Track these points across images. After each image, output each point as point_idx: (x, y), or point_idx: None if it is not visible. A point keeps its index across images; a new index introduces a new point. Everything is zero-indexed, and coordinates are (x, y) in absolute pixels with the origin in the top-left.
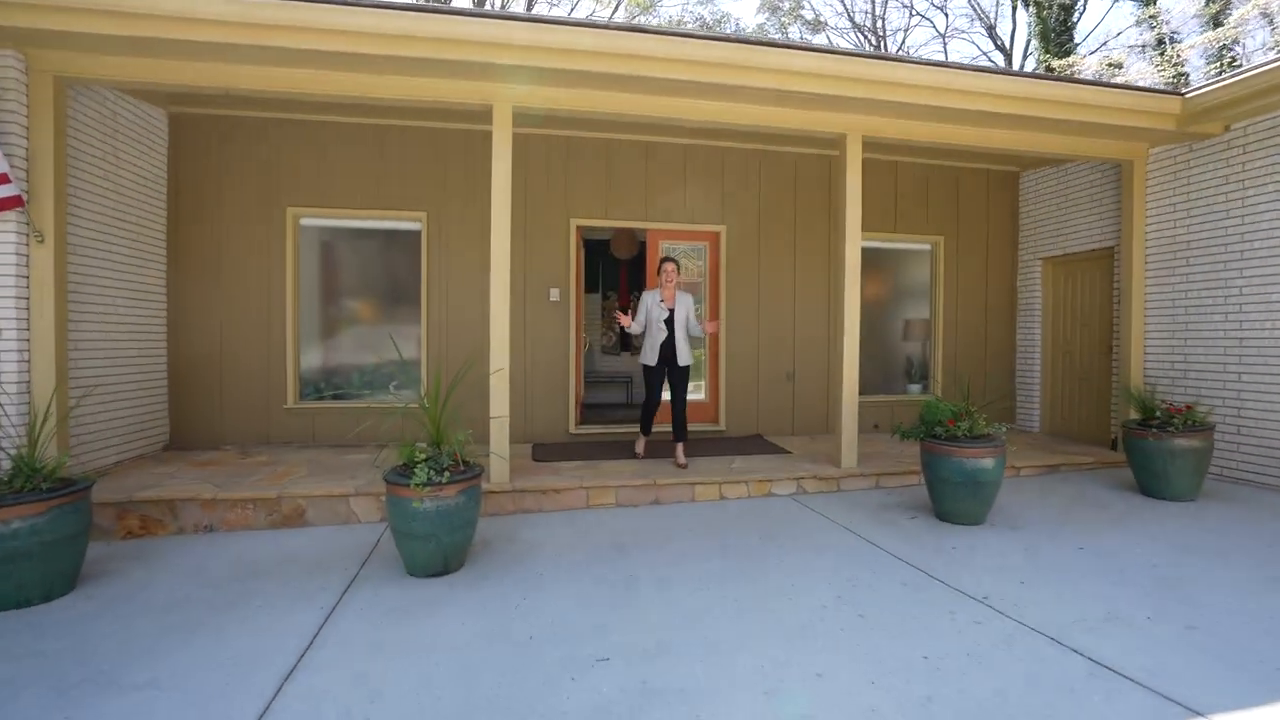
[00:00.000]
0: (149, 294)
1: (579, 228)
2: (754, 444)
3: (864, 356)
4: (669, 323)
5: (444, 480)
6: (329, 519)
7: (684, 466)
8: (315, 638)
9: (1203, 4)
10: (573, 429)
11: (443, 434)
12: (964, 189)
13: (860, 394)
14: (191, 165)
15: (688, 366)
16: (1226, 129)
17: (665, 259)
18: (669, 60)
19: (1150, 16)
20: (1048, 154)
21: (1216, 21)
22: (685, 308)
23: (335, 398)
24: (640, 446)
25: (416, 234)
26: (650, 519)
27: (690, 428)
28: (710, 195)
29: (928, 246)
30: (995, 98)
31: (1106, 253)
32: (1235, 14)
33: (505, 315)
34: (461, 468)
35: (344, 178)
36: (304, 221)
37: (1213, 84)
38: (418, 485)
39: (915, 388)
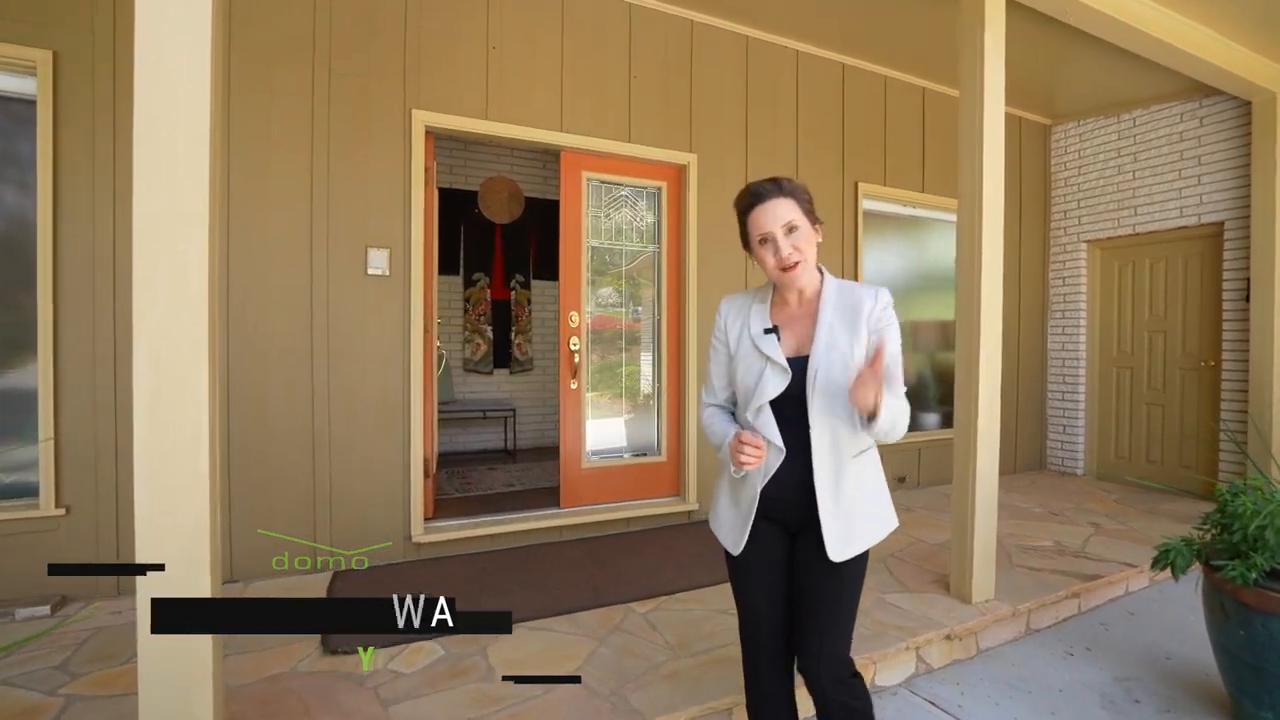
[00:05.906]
0: None
1: (430, 134)
2: None
3: None
4: (796, 399)
5: None
6: None
7: None
8: None
9: None
10: (418, 532)
11: None
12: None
13: None
14: None
15: (859, 562)
16: None
17: (761, 186)
18: None
19: None
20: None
21: None
22: (850, 342)
23: None
24: None
25: (28, 105)
26: None
27: (643, 509)
28: (673, 103)
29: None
30: None
31: (1207, 231)
32: None
33: (203, 302)
34: None
35: None
36: None
37: None
38: None
39: (932, 419)
